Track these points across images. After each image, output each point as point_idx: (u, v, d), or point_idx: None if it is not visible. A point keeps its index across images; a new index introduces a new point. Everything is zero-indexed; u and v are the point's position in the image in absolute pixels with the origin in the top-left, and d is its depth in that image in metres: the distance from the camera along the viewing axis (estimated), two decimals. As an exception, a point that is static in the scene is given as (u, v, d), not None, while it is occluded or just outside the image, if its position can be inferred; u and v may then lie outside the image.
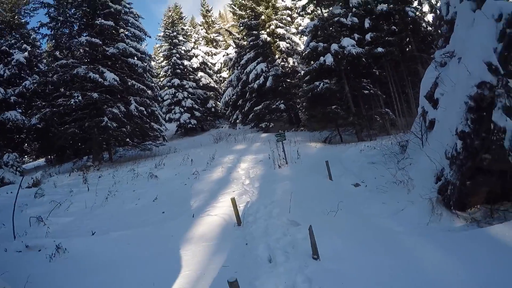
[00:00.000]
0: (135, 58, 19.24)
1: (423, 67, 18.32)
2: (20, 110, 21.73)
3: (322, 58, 17.57)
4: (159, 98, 27.93)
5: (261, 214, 6.95)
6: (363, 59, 17.54)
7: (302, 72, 24.28)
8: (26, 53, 22.52)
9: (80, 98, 16.57)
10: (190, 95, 30.97)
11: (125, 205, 9.77)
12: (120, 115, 16.90)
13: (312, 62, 19.43)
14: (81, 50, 19.08)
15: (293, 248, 5.23)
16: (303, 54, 20.55)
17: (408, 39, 19.46)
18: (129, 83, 18.10)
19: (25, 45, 23.66)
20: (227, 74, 35.43)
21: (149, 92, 20.05)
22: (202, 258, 5.52)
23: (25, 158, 32.14)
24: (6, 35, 23.42)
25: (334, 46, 17.50)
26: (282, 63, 24.62)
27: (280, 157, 11.63)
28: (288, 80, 24.66)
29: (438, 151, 6.64)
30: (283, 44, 24.38)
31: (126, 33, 20.06)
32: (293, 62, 24.92)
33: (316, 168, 10.69)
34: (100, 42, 17.87)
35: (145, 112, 18.16)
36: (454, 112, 6.12)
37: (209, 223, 7.01)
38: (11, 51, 22.85)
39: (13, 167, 16.43)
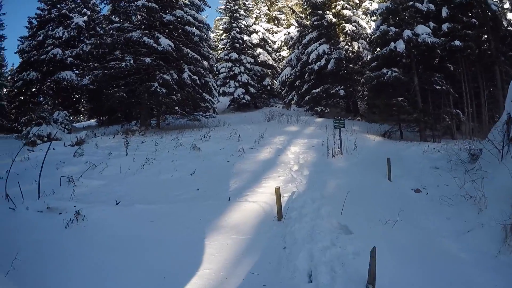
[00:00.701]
0: (193, 26, 18.33)
1: (500, 70, 15.71)
2: (76, 71, 22.07)
3: (392, 44, 15.46)
4: (215, 71, 27.23)
5: (307, 211, 5.70)
6: (438, 51, 15.24)
7: (368, 57, 22.22)
8: (85, 17, 22.73)
9: (132, 61, 16.12)
10: (246, 71, 29.86)
11: (160, 176, 9.00)
12: (171, 82, 16.24)
13: (379, 48, 17.31)
14: (138, 16, 18.64)
15: (342, 267, 4.02)
16: (372, 38, 18.42)
17: (487, 36, 16.69)
18: (184, 51, 17.31)
19: (85, 10, 23.92)
20: (287, 53, 33.76)
21: (205, 62, 19.18)
22: (229, 256, 4.46)
23: (79, 117, 33.63)
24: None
25: (407, 32, 15.31)
26: (346, 47, 22.56)
27: (335, 146, 10.17)
28: (351, 66, 22.60)
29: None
30: (348, 27, 22.28)
31: (185, 1, 19.19)
32: (358, 47, 22.68)
33: (374, 164, 9.21)
34: (157, 7, 17.17)
35: (198, 82, 17.34)
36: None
37: (245, 210, 5.92)
38: (71, 14, 23.15)
39: (62, 125, 16.63)
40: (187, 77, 16.70)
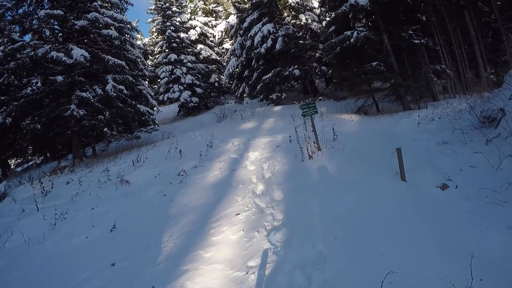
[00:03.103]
0: (111, 28, 14.67)
1: (471, 16, 13.38)
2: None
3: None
4: (157, 76, 23.59)
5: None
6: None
7: (318, 29, 19.43)
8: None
9: (39, 84, 12.35)
10: (189, 71, 26.44)
11: (73, 239, 5.89)
12: (92, 100, 12.60)
13: (334, 11, 14.25)
14: (46, 31, 14.78)
15: None
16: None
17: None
18: (106, 59, 13.67)
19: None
20: (230, 45, 30.52)
21: (132, 67, 15.61)
22: None
23: (23, 158, 28.74)
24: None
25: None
26: (293, 21, 19.60)
27: (307, 139, 7.17)
28: (301, 42, 19.67)
29: None
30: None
31: (100, 3, 15.43)
32: (306, 19, 19.75)
33: (369, 156, 6.48)
34: (62, 13, 13.48)
35: (125, 91, 13.71)
36: None
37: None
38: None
39: None
40: (111, 89, 13.12)
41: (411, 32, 12.50)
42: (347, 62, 12.63)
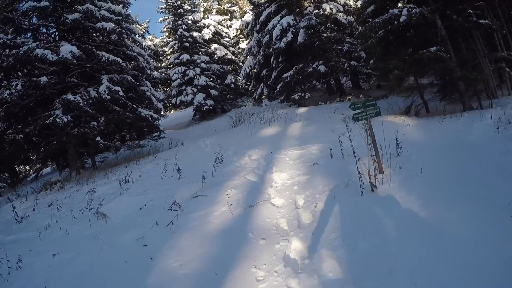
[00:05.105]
0: (109, 21, 12.48)
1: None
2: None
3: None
4: (149, 74, 21.35)
5: None
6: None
7: (344, 19, 16.69)
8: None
9: (19, 86, 10.23)
10: (203, 72, 24.10)
11: None
12: (82, 104, 10.36)
13: None
14: (42, 29, 12.81)
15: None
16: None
17: None
18: (100, 56, 11.46)
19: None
20: (246, 44, 28.08)
21: (134, 64, 13.39)
22: None
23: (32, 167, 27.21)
24: None
25: None
26: (315, 11, 16.90)
27: (357, 154, 4.52)
28: (325, 35, 16.95)
29: None
30: (313, -13, 16.86)
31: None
32: (330, 9, 17.00)
33: (460, 183, 4.06)
34: (48, 4, 11.42)
35: (121, 93, 11.32)
36: None
37: None
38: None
39: None
40: (104, 91, 10.86)
41: (471, 11, 9.65)
42: (395, 48, 9.78)
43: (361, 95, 14.46)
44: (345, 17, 17.08)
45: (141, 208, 5.51)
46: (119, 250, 4.37)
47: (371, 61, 11.44)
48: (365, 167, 4.32)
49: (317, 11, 16.70)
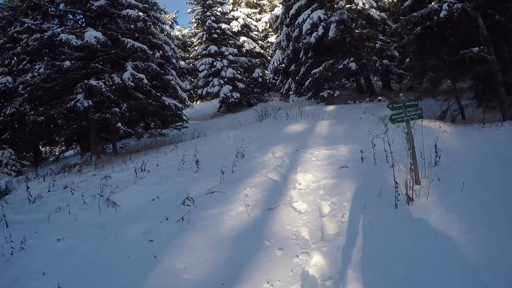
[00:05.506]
0: (136, 10, 12.31)
1: None
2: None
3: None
4: (174, 63, 21.18)
5: None
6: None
7: (377, 15, 15.83)
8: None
9: (41, 70, 10.20)
10: (230, 64, 23.75)
11: None
12: (104, 89, 10.20)
13: None
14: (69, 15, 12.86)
15: None
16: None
17: None
18: (125, 42, 11.29)
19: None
20: (275, 38, 27.49)
21: (160, 53, 13.16)
22: None
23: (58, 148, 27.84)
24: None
25: None
26: (347, 6, 16.08)
27: (391, 159, 3.98)
28: (357, 31, 16.12)
29: None
30: (346, -19, 16.01)
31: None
32: (363, 4, 16.13)
33: (510, 202, 3.33)
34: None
35: (145, 81, 11.10)
36: None
37: None
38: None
39: (8, 166, 11.73)
40: (128, 78, 10.66)
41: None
42: (428, 49, 8.89)
43: (392, 96, 13.68)
44: (378, 13, 16.23)
45: (153, 200, 5.20)
46: (124, 243, 4.08)
47: (407, 60, 10.61)
48: (400, 176, 3.76)
49: (349, 5, 15.91)
